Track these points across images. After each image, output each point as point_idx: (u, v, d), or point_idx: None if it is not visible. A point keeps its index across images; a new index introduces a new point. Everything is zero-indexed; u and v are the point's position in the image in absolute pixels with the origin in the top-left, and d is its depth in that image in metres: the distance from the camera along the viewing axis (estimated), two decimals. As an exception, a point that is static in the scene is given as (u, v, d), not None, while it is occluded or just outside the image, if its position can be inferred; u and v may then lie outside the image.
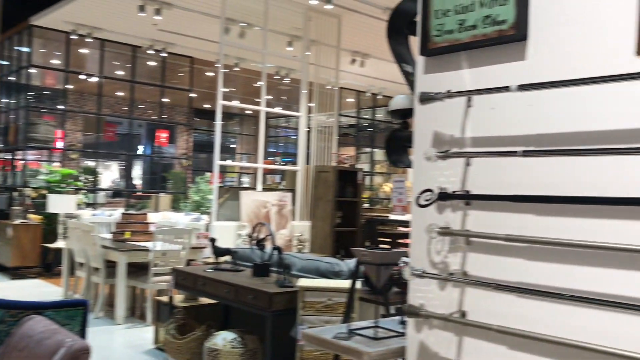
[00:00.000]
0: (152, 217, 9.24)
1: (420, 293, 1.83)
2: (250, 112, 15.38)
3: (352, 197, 7.66)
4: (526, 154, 1.56)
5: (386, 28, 2.07)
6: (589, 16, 1.51)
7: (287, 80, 11.21)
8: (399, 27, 2.03)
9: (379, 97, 13.43)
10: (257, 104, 7.56)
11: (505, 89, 1.58)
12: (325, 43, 8.16)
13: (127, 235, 6.09)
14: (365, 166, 14.55)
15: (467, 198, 1.71)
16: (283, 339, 3.64)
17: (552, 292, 1.52)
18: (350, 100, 14.10)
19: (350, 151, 14.47)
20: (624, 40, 1.42)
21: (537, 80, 1.59)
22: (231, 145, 18.66)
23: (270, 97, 12.64)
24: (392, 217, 7.43)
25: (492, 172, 1.69)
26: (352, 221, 7.50)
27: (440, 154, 1.72)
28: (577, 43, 1.53)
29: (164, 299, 4.84)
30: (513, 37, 1.64)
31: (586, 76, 1.48)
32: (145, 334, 5.05)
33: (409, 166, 1.93)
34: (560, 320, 1.52)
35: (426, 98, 1.75)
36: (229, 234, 6.65)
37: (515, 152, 1.57)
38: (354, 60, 9.85)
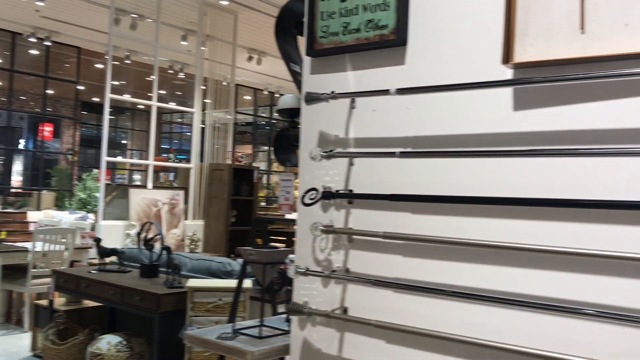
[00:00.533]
0: (33, 215, 8.66)
1: (305, 291, 1.85)
2: (143, 107, 14.84)
3: (247, 195, 7.63)
4: (403, 155, 1.62)
5: (274, 27, 2.07)
6: (462, 25, 1.60)
7: (181, 75, 10.94)
8: (287, 26, 2.05)
9: (276, 95, 13.47)
10: (150, 98, 7.30)
11: (386, 92, 1.63)
12: (221, 39, 8.05)
13: (2, 236, 5.67)
14: (262, 164, 14.52)
15: (350, 197, 1.76)
16: (171, 341, 3.55)
17: (427, 287, 1.59)
18: (248, 97, 14.03)
19: (247, 149, 14.39)
20: (492, 50, 1.51)
21: (415, 84, 1.65)
22: (122, 141, 17.92)
23: (163, 92, 12.27)
24: (289, 216, 7.47)
25: (374, 172, 1.74)
26: (247, 220, 7.45)
27: (324, 153, 1.75)
28: (451, 50, 1.61)
29: (44, 302, 4.55)
30: (393, 42, 1.70)
31: (458, 82, 1.56)
32: (22, 341, 4.74)
33: (295, 165, 1.95)
34: (436, 314, 1.59)
35: (311, 98, 1.77)
36: (117, 234, 6.38)
37: (394, 153, 1.63)
38: (250, 58, 9.80)
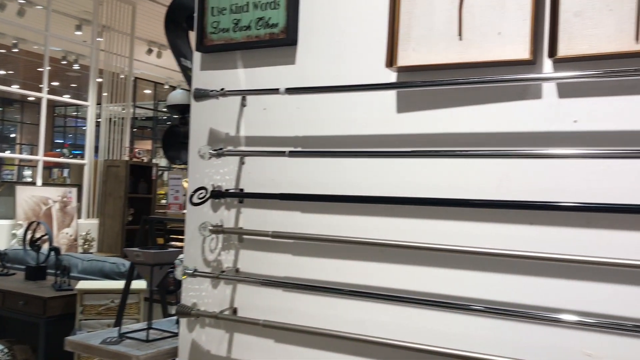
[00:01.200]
0: None
1: (193, 292, 1.81)
2: (34, 98, 13.95)
3: (146, 193, 7.38)
4: (292, 154, 1.62)
5: (164, 20, 2.01)
6: (350, 28, 1.62)
7: (76, 67, 10.38)
8: (178, 20, 1.99)
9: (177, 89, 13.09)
10: (41, 90, 6.87)
11: (275, 91, 1.63)
12: (118, 30, 7.72)
13: None
14: (162, 161, 14.10)
15: (239, 196, 1.74)
16: (59, 348, 3.36)
17: (315, 285, 1.60)
18: (148, 91, 13.56)
19: (146, 145, 13.91)
20: (379, 52, 1.54)
21: (305, 84, 1.66)
22: (11, 135, 16.76)
23: (57, 83, 11.60)
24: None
25: (265, 171, 1.73)
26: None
27: (214, 152, 1.72)
28: (340, 52, 1.63)
29: None
30: (284, 40, 1.70)
31: (346, 84, 1.59)
32: None
33: (185, 163, 1.90)
34: (324, 312, 1.61)
35: (200, 95, 1.73)
36: (2, 234, 5.96)
37: (284, 152, 1.63)
38: (150, 51, 9.47)
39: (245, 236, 1.74)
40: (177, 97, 1.98)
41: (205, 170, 1.81)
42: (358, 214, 1.58)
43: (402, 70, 1.52)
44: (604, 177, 1.30)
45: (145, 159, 8.06)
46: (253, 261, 1.73)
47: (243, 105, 1.78)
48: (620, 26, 1.28)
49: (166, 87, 13.02)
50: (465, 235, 1.44)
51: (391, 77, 1.55)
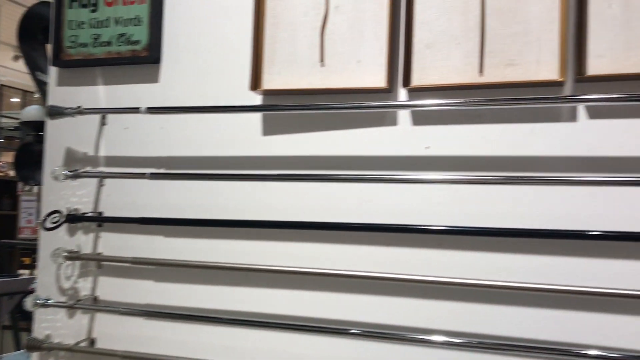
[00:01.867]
0: None
1: (47, 323, 1.68)
2: None
3: (9, 210, 6.82)
4: (154, 176, 1.57)
5: (17, 30, 1.87)
6: (216, 48, 1.60)
7: None
8: (33, 30, 1.86)
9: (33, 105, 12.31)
10: None
11: (136, 110, 1.56)
12: (-21, 33, 7.12)
13: None
14: (33, 174, 13.15)
15: (97, 220, 1.65)
16: None
17: (176, 312, 1.55)
18: (16, 100, 12.61)
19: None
20: (245, 74, 1.53)
21: (168, 103, 1.62)
22: None
23: None
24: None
25: (126, 194, 1.65)
26: (9, 238, 6.66)
27: (70, 172, 1.62)
28: (205, 72, 1.60)
29: None
30: (147, 58, 1.64)
31: (211, 104, 1.57)
32: None
33: (40, 184, 1.77)
34: (186, 339, 1.56)
35: (55, 112, 1.62)
36: None
37: (144, 174, 1.57)
38: (17, 57, 8.82)
39: (104, 262, 1.65)
40: (31, 113, 1.84)
41: (61, 192, 1.70)
42: (223, 237, 1.55)
43: (267, 93, 1.52)
44: (453, 200, 1.38)
45: (11, 173, 7.46)
46: (113, 288, 1.64)
47: (103, 123, 1.69)
48: (467, 59, 1.36)
49: (36, 96, 12.20)
50: (329, 258, 1.46)
51: (257, 99, 1.54)
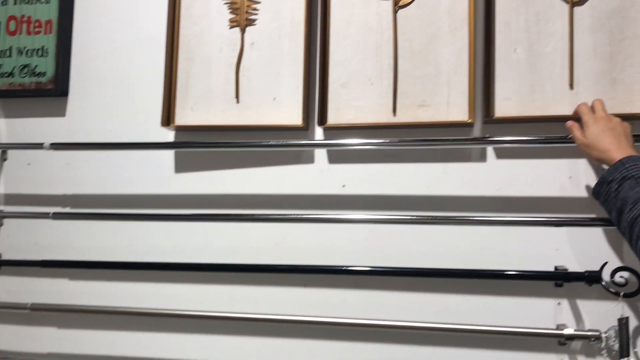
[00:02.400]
0: None
1: None
2: None
3: None
4: (56, 216, 1.47)
5: None
6: (127, 82, 1.54)
7: None
8: None
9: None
10: None
11: (39, 145, 1.48)
12: None
13: None
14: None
15: (-8, 264, 1.53)
16: None
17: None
18: None
19: None
20: (154, 111, 1.48)
21: (75, 139, 1.54)
22: None
23: None
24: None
25: (27, 234, 1.55)
26: None
27: (-36, 212, 1.50)
28: (115, 106, 1.54)
29: None
30: (52, 91, 1.56)
31: (121, 141, 1.50)
32: None
33: None
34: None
35: (-52, 148, 1.50)
36: None
37: (47, 213, 1.47)
38: None
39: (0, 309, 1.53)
40: None
41: (-45, 233, 1.57)
42: (132, 280, 1.48)
43: (180, 129, 1.48)
44: (368, 240, 1.37)
45: None
46: (10, 337, 1.52)
47: (3, 159, 1.58)
48: (381, 99, 1.37)
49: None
50: (246, 301, 1.41)
51: (169, 135, 1.49)
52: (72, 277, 1.51)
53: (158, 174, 1.49)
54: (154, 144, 1.47)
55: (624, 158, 1.04)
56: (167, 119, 1.46)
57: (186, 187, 1.48)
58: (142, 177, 1.50)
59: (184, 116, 1.47)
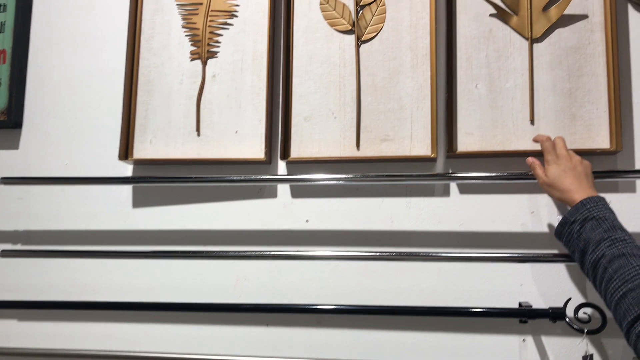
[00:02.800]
0: None
1: None
2: None
3: None
4: (5, 253, 1.41)
5: None
6: (84, 114, 1.49)
7: None
8: None
9: None
10: None
11: (-10, 180, 1.42)
12: None
13: None
14: None
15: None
16: None
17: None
18: None
19: None
20: (112, 143, 1.44)
21: (30, 172, 1.48)
22: None
23: None
24: None
25: (-25, 272, 1.47)
26: None
27: None
28: (71, 140, 1.49)
29: None
30: (5, 123, 1.50)
31: (78, 175, 1.45)
32: None
33: None
34: None
35: None
36: None
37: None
38: None
39: (-56, 353, 1.44)
40: None
41: None
42: (88, 320, 1.41)
43: (138, 162, 1.43)
44: (332, 276, 1.34)
45: None
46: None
47: (-48, 194, 1.51)
48: (344, 133, 1.36)
49: None
50: (203, 341, 1.36)
51: (127, 169, 1.45)
52: (22, 318, 1.44)
53: (115, 209, 1.44)
54: (111, 178, 1.42)
55: (584, 199, 1.04)
56: (125, 152, 1.42)
57: (144, 222, 1.43)
58: (98, 212, 1.45)
59: (142, 149, 1.43)
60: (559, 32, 1.30)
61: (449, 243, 1.31)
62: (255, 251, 1.34)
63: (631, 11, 1.30)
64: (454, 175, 1.28)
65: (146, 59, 1.46)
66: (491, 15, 1.33)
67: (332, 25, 1.40)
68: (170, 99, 1.44)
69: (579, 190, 1.06)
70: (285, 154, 1.37)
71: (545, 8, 1.31)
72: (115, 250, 1.41)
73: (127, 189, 1.45)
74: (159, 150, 1.43)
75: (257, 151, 1.39)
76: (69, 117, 1.50)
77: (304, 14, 1.41)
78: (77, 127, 1.49)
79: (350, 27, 1.39)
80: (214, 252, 1.36)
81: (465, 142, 1.31)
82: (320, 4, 1.41)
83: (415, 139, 1.33)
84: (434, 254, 1.27)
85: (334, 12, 1.40)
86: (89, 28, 1.52)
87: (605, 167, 1.26)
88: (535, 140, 1.20)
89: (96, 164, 1.47)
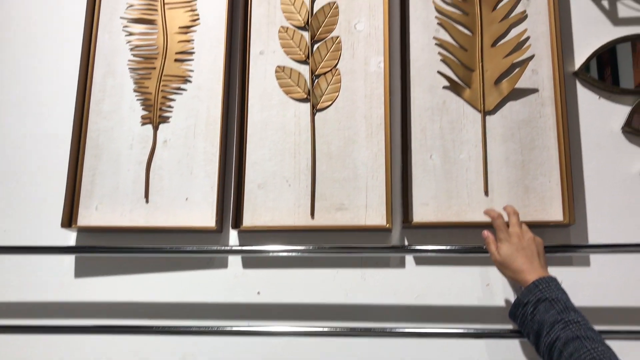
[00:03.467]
0: None
1: None
2: None
3: None
4: None
5: None
6: (24, 178, 1.43)
7: None
8: None
9: None
10: None
11: None
12: None
13: None
14: None
15: None
16: None
17: None
18: None
19: None
20: (55, 210, 1.37)
21: (-36, 239, 1.39)
22: None
23: None
24: None
25: None
26: None
27: None
28: (9, 204, 1.41)
29: None
30: (-59, 186, 1.42)
31: (14, 244, 1.37)
32: None
33: None
34: None
35: None
36: None
37: None
38: None
39: None
40: None
41: None
42: (19, 400, 1.31)
43: (82, 230, 1.37)
44: (285, 352, 1.28)
45: None
46: None
47: None
48: (298, 201, 1.33)
49: None
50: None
51: (71, 237, 1.38)
52: (-53, 399, 1.32)
53: (56, 279, 1.36)
54: (52, 248, 1.34)
55: (536, 280, 1.03)
56: (69, 219, 1.35)
57: (87, 294, 1.35)
58: (37, 283, 1.37)
59: (87, 216, 1.37)
60: (510, 105, 1.32)
61: (405, 316, 1.27)
62: (203, 326, 1.27)
63: (579, 86, 1.33)
64: (409, 248, 1.25)
65: (95, 122, 1.41)
66: (444, 87, 1.35)
67: (287, 93, 1.39)
68: (119, 164, 1.39)
69: (530, 271, 1.05)
70: (237, 223, 1.32)
71: (497, 82, 1.33)
72: (54, 325, 1.32)
73: (69, 259, 1.37)
74: (104, 218, 1.36)
75: (207, 219, 1.34)
76: (9, 182, 1.43)
77: (259, 81, 1.40)
78: (18, 192, 1.42)
79: (305, 96, 1.38)
80: (157, 327, 1.28)
81: (421, 213, 1.30)
82: (276, 72, 1.40)
83: (370, 208, 1.31)
84: (389, 330, 1.22)
85: (289, 80, 1.39)
86: (36, 89, 1.48)
87: (559, 240, 1.25)
88: (487, 215, 1.19)
89: (37, 232, 1.39)
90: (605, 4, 1.37)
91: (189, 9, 1.45)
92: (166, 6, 1.46)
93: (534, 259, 1.07)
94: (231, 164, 1.37)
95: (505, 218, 1.16)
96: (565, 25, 1.36)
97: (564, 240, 1.26)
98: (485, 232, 1.17)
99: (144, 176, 1.38)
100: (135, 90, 1.42)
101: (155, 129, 1.40)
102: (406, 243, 1.30)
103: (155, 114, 1.41)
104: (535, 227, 1.21)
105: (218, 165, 1.36)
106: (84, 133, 1.40)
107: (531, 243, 1.10)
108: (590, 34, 1.35)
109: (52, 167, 1.42)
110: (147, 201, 1.37)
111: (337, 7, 1.42)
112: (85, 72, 1.43)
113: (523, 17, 1.36)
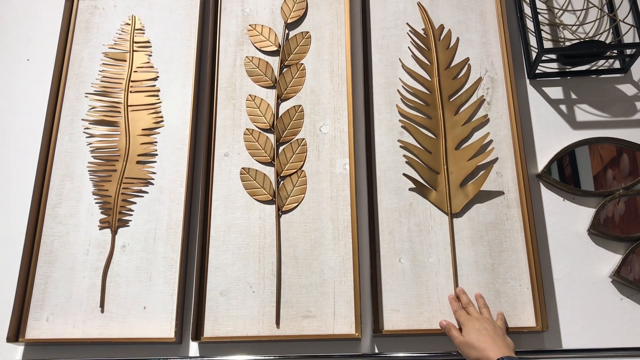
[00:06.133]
0: None
1: None
2: None
3: None
4: None
5: None
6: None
7: None
8: None
9: None
10: None
11: None
12: None
13: None
14: None
15: None
16: None
17: None
18: None
19: None
20: (1, 323, 1.28)
21: None
22: None
23: None
24: None
25: None
26: None
27: None
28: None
29: None
30: None
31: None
32: None
33: None
34: None
35: None
36: None
37: None
38: None
39: None
40: None
41: None
42: None
43: (31, 344, 1.27)
44: None
45: None
46: None
47: None
48: (263, 309, 1.27)
49: None
50: None
51: (17, 352, 1.28)
52: None
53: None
54: None
55: (500, 358, 1.05)
56: (16, 332, 1.26)
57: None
58: None
59: (36, 328, 1.27)
60: (477, 208, 1.31)
61: None
62: None
63: (543, 188, 1.34)
64: (380, 355, 1.19)
65: (50, 227, 1.35)
66: (411, 189, 1.34)
67: (252, 195, 1.36)
68: (74, 271, 1.32)
69: (493, 348, 1.07)
70: (197, 333, 1.25)
71: (463, 184, 1.33)
72: None
73: (13, 375, 1.26)
74: (55, 330, 1.27)
75: (166, 330, 1.26)
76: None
77: (223, 183, 1.38)
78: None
79: (271, 197, 1.35)
80: None
81: (392, 320, 1.25)
82: (241, 174, 1.38)
83: (338, 316, 1.25)
84: None
85: (254, 182, 1.37)
86: (-10, 192, 1.42)
87: (534, 345, 1.21)
88: (450, 301, 1.23)
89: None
90: (564, 108, 1.40)
91: (153, 111, 1.44)
92: (129, 108, 1.45)
93: (497, 337, 1.10)
94: (192, 269, 1.31)
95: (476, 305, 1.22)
96: (527, 128, 1.39)
97: (538, 345, 1.22)
98: (444, 321, 1.20)
99: (99, 284, 1.31)
100: (94, 193, 1.38)
101: (114, 233, 1.34)
102: (376, 351, 1.24)
103: (114, 217, 1.36)
104: (509, 333, 1.17)
105: (179, 270, 1.30)
106: (37, 238, 1.34)
107: (493, 324, 1.14)
108: (551, 137, 1.38)
109: (1, 275, 1.33)
110: (102, 311, 1.29)
111: (302, 110, 1.42)
112: (42, 175, 1.38)
113: (485, 120, 1.38)
